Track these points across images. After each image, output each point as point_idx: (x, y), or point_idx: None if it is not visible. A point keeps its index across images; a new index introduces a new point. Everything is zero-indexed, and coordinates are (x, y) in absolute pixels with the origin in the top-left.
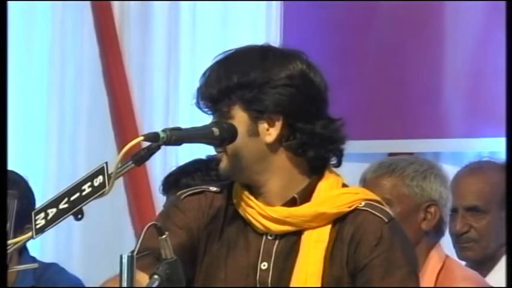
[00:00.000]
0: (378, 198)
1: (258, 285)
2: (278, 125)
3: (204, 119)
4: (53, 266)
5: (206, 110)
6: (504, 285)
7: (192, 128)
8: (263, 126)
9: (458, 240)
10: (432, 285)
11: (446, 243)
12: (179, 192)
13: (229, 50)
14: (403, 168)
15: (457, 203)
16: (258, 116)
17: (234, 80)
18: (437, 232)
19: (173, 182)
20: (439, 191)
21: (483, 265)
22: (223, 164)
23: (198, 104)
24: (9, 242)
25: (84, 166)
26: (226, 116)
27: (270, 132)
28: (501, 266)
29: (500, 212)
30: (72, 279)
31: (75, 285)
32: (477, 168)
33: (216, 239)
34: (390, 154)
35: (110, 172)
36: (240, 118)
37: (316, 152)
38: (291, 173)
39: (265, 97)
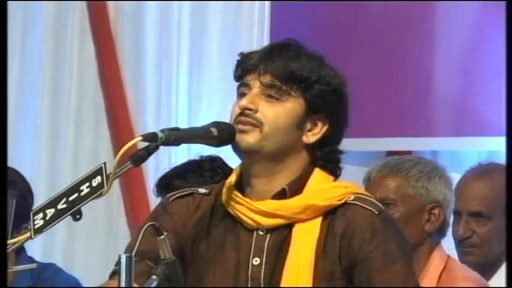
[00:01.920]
0: (367, 193)
1: (250, 281)
2: (323, 129)
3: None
4: (50, 266)
5: (256, 81)
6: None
7: (191, 128)
8: (307, 124)
9: (460, 244)
10: (434, 285)
11: (448, 243)
12: (168, 195)
13: (291, 39)
14: (408, 168)
15: (461, 207)
16: (312, 113)
17: (316, 70)
18: (439, 233)
19: (166, 184)
20: (443, 192)
21: (484, 271)
22: (252, 138)
23: (246, 73)
24: (8, 242)
25: (72, 167)
26: (282, 96)
27: (313, 134)
28: (501, 273)
29: (504, 218)
30: (69, 279)
31: (72, 285)
32: (483, 173)
33: (202, 240)
34: (388, 153)
35: (108, 172)
36: (295, 106)
37: (330, 165)
38: (296, 170)
39: (328, 100)
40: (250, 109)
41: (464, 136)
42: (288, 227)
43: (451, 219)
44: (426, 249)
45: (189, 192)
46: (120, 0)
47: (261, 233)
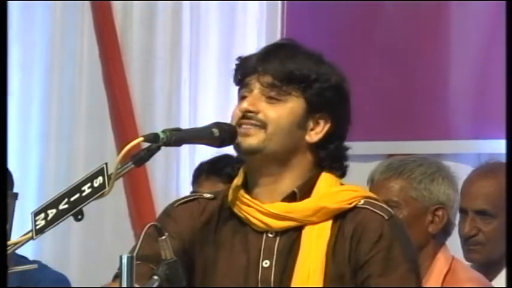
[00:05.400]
0: (376, 197)
1: (260, 284)
2: (325, 127)
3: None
4: (34, 263)
5: (256, 83)
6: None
7: (192, 128)
8: (309, 123)
9: (466, 242)
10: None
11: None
12: (173, 201)
13: (288, 39)
14: (410, 170)
15: (467, 205)
16: (314, 111)
17: (314, 68)
18: (444, 234)
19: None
20: (446, 193)
21: (488, 269)
22: (255, 139)
23: (246, 76)
24: (9, 242)
25: (82, 167)
26: (283, 97)
27: (316, 132)
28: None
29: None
30: (54, 275)
31: (58, 281)
32: (489, 171)
33: (210, 243)
34: (390, 155)
35: (109, 173)
36: (296, 106)
37: (337, 164)
38: (303, 172)
39: (329, 98)
40: (251, 111)
41: (483, 139)
42: (298, 230)
43: (457, 219)
44: (430, 251)
45: (193, 197)
46: (128, 0)
47: (270, 235)
